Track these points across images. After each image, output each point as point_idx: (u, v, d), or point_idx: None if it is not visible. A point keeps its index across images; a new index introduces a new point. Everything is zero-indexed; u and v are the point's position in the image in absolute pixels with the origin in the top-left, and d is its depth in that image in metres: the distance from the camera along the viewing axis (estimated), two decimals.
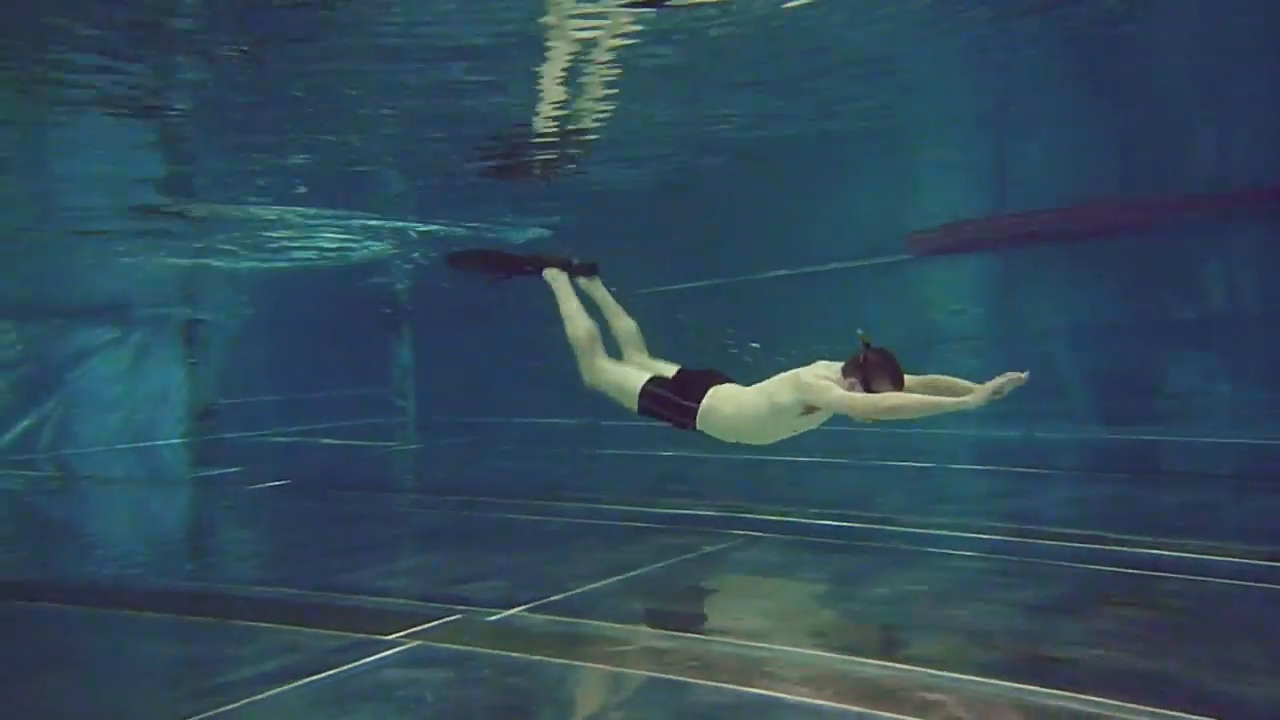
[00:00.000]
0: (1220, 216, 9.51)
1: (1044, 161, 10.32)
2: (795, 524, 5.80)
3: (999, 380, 3.44)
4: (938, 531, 5.43)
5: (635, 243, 13.01)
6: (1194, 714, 2.84)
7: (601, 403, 4.54)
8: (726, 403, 4.14)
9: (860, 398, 3.76)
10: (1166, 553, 4.70)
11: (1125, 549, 4.84)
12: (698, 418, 4.15)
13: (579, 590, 4.49)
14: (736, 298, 12.41)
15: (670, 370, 4.39)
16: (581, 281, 4.80)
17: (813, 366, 4.00)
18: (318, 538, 6.22)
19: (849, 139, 9.72)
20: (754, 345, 9.88)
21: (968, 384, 3.79)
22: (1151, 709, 2.89)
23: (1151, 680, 3.13)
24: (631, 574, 4.76)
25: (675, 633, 3.90)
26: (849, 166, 10.77)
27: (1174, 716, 2.85)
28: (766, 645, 3.68)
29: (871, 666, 3.37)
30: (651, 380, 4.31)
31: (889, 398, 3.74)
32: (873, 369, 3.89)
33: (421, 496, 8.56)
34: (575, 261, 4.88)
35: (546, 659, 3.57)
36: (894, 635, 3.86)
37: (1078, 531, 5.21)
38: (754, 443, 4.23)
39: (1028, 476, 7.39)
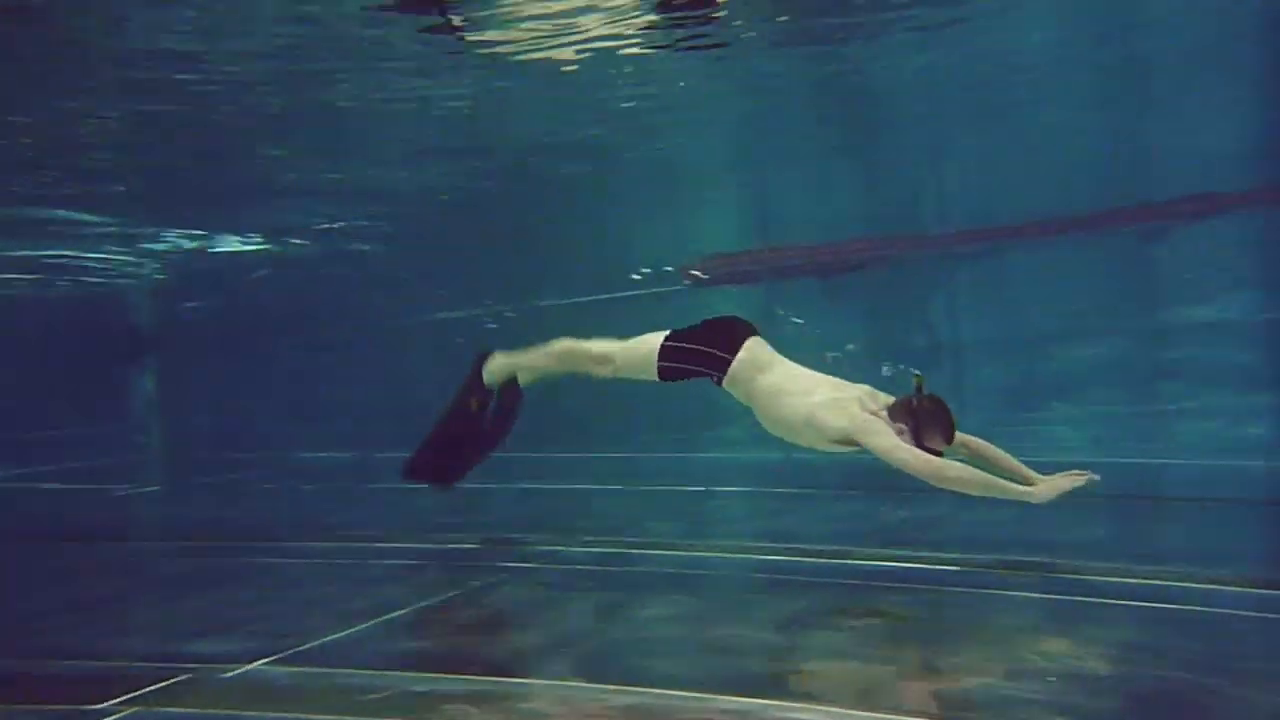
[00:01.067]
0: (948, 254, 10.57)
1: (803, 199, 11.07)
2: (565, 554, 5.75)
3: (1065, 479, 3.39)
4: (703, 554, 5.55)
5: (413, 261, 12.66)
6: (915, 716, 3.02)
7: (373, 435, 4.20)
8: (768, 375, 3.82)
9: (921, 460, 3.46)
10: (900, 564, 5.05)
11: (866, 562, 5.16)
12: (728, 374, 3.83)
13: (331, 637, 4.18)
14: (512, 325, 12.33)
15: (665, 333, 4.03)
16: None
17: (858, 392, 3.74)
18: (27, 597, 5.47)
19: (630, 170, 10.03)
20: None
21: (1015, 462, 3.63)
22: (881, 714, 3.06)
23: (880, 686, 3.32)
24: (391, 616, 4.52)
25: (433, 675, 3.72)
26: (630, 198, 11.07)
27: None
28: (527, 680, 3.58)
29: (630, 693, 3.36)
30: (670, 336, 3.97)
31: (952, 469, 3.43)
32: (925, 418, 3.60)
33: (159, 543, 7.77)
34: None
35: (284, 716, 3.28)
36: (653, 660, 3.87)
37: (828, 548, 5.50)
38: (771, 431, 3.93)
39: (789, 497, 7.75)
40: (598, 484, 8.25)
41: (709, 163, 10.98)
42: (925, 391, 3.61)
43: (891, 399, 3.73)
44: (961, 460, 3.57)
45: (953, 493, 3.50)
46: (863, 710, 3.04)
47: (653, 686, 3.43)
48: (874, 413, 3.62)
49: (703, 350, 3.88)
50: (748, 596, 4.66)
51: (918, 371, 3.64)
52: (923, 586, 4.60)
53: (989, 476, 3.48)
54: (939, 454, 3.56)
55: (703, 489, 8.40)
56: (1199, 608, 4.08)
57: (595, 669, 3.71)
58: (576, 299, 11.18)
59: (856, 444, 3.61)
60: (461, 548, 6.03)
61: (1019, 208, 9.93)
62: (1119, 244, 9.78)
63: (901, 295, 10.86)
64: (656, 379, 4.02)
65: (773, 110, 9.50)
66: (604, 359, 4.16)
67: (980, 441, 3.73)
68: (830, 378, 3.86)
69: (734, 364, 3.79)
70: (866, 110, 9.79)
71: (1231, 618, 3.96)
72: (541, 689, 3.46)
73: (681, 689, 3.33)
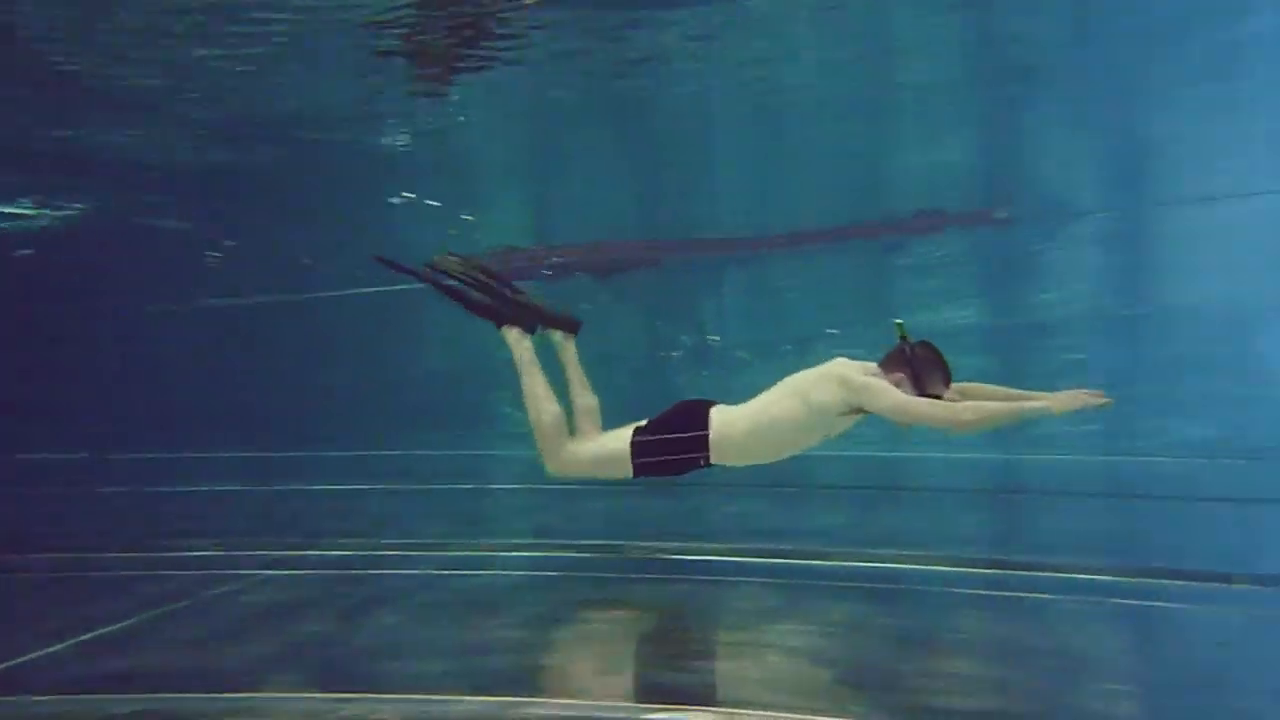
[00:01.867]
0: (719, 258, 11.02)
1: (581, 199, 11.18)
2: (315, 558, 5.44)
3: (1084, 394, 3.28)
4: (462, 553, 5.43)
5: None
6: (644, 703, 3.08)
7: (107, 434, 3.73)
8: (741, 420, 3.74)
9: (939, 409, 3.39)
10: (659, 557, 5.16)
11: (621, 556, 5.23)
12: (711, 446, 3.72)
13: (29, 657, 3.73)
14: (277, 316, 11.61)
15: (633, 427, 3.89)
16: (556, 338, 4.19)
17: (838, 364, 3.64)
18: None
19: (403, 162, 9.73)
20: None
21: (1012, 391, 3.53)
22: (614, 702, 3.09)
23: (618, 675, 3.37)
24: (104, 631, 4.09)
25: (141, 695, 3.38)
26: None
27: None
28: (249, 694, 3.33)
29: (367, 701, 3.21)
30: (636, 431, 3.84)
31: (968, 410, 3.36)
32: (922, 364, 3.53)
33: None
34: (551, 314, 4.18)
35: None
36: (393, 664, 3.73)
37: (588, 542, 5.53)
38: (776, 458, 3.83)
39: (556, 493, 7.74)
40: (362, 484, 7.91)
41: (493, 163, 10.91)
42: (910, 338, 3.56)
43: (870, 364, 3.68)
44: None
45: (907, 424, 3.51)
46: (600, 700, 3.07)
47: (391, 692, 3.29)
48: (870, 373, 3.55)
49: (675, 440, 3.78)
50: (501, 595, 4.60)
51: (899, 320, 3.55)
52: (678, 578, 4.71)
53: (1006, 405, 3.42)
54: (940, 399, 3.53)
55: (474, 486, 8.26)
56: (926, 588, 4.41)
57: (331, 677, 3.52)
58: (345, 291, 10.71)
59: (863, 410, 3.54)
60: (202, 554, 5.58)
61: (783, 218, 10.52)
62: (866, 254, 10.55)
63: (674, 296, 11.20)
64: (630, 475, 3.93)
65: (553, 115, 9.57)
66: (560, 456, 4.06)
67: (973, 384, 3.68)
68: (793, 377, 3.80)
69: (711, 435, 3.73)
70: (642, 118, 10.05)
71: (948, 595, 4.32)
72: (268, 702, 3.24)
73: (421, 692, 3.22)
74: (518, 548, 5.56)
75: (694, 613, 4.21)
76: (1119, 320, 9.80)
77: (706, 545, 5.27)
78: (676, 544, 5.33)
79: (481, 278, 4.28)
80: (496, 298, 4.23)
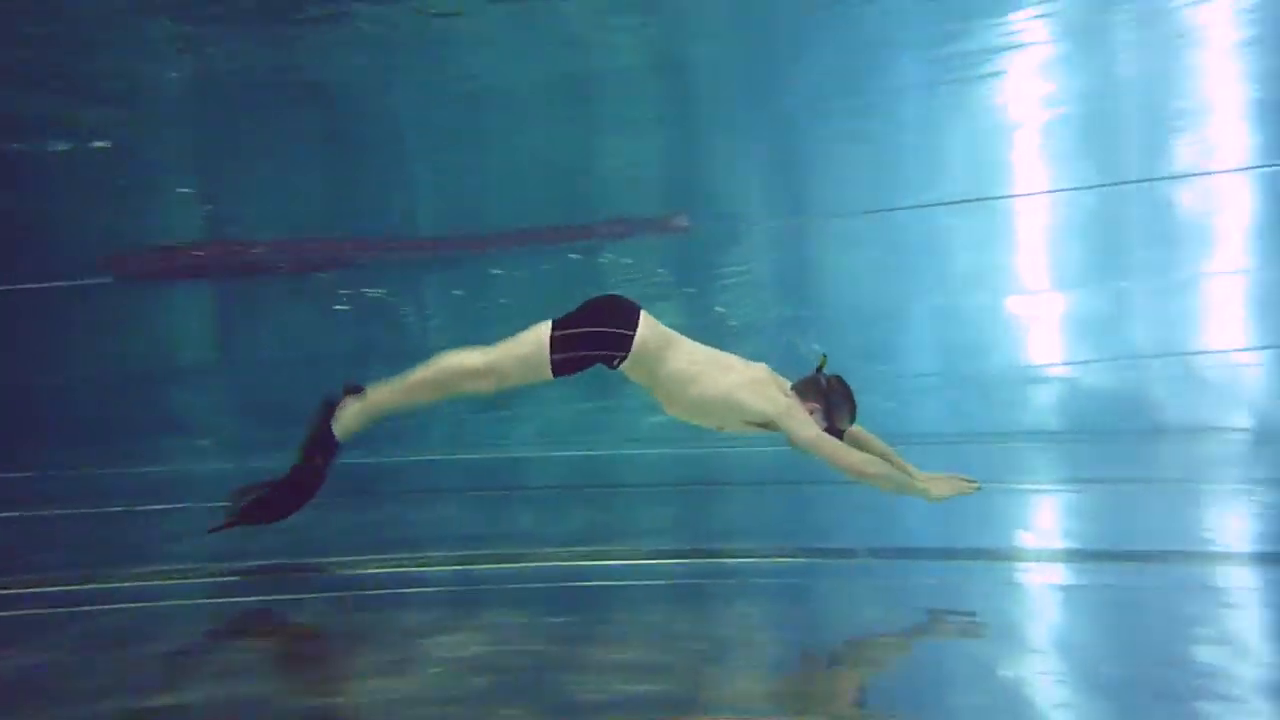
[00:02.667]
0: (410, 260, 10.76)
1: (262, 194, 10.45)
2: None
3: (958, 482, 3.52)
4: (112, 585, 4.84)
5: None
6: None
7: None
8: (667, 345, 3.63)
9: (844, 454, 3.50)
10: (336, 574, 4.90)
11: (279, 576, 4.91)
12: (634, 347, 3.60)
13: None
14: None
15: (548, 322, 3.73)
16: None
17: (762, 373, 3.66)
18: None
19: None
20: None
21: (890, 451, 3.72)
22: None
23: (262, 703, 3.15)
24: None
25: None
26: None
27: None
28: None
29: None
30: (556, 325, 3.67)
31: (872, 465, 3.53)
32: (836, 398, 3.63)
33: None
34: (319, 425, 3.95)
35: None
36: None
37: (257, 564, 5.13)
38: (668, 402, 3.72)
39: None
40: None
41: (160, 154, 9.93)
42: (826, 371, 3.65)
43: (785, 381, 3.74)
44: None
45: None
46: None
47: None
48: (786, 394, 3.61)
49: (598, 331, 3.65)
50: (143, 626, 4.14)
51: (823, 351, 3.65)
52: (354, 593, 4.49)
53: (900, 474, 3.61)
54: (842, 435, 3.70)
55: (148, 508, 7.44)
56: (608, 582, 4.50)
57: None
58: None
59: (774, 428, 3.58)
60: None
61: (483, 219, 10.47)
62: (558, 258, 10.75)
63: (368, 298, 10.82)
64: (550, 376, 3.79)
65: (230, 104, 8.90)
66: (486, 371, 3.83)
67: (862, 430, 3.80)
68: (728, 354, 3.79)
69: (635, 340, 3.62)
70: (333, 112, 9.61)
71: (629, 589, 4.43)
72: None
73: None
74: (174, 575, 5.05)
75: (361, 630, 4.02)
76: (790, 321, 10.70)
77: (388, 557, 5.07)
78: (355, 558, 5.09)
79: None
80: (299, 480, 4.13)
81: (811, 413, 3.68)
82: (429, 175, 10.87)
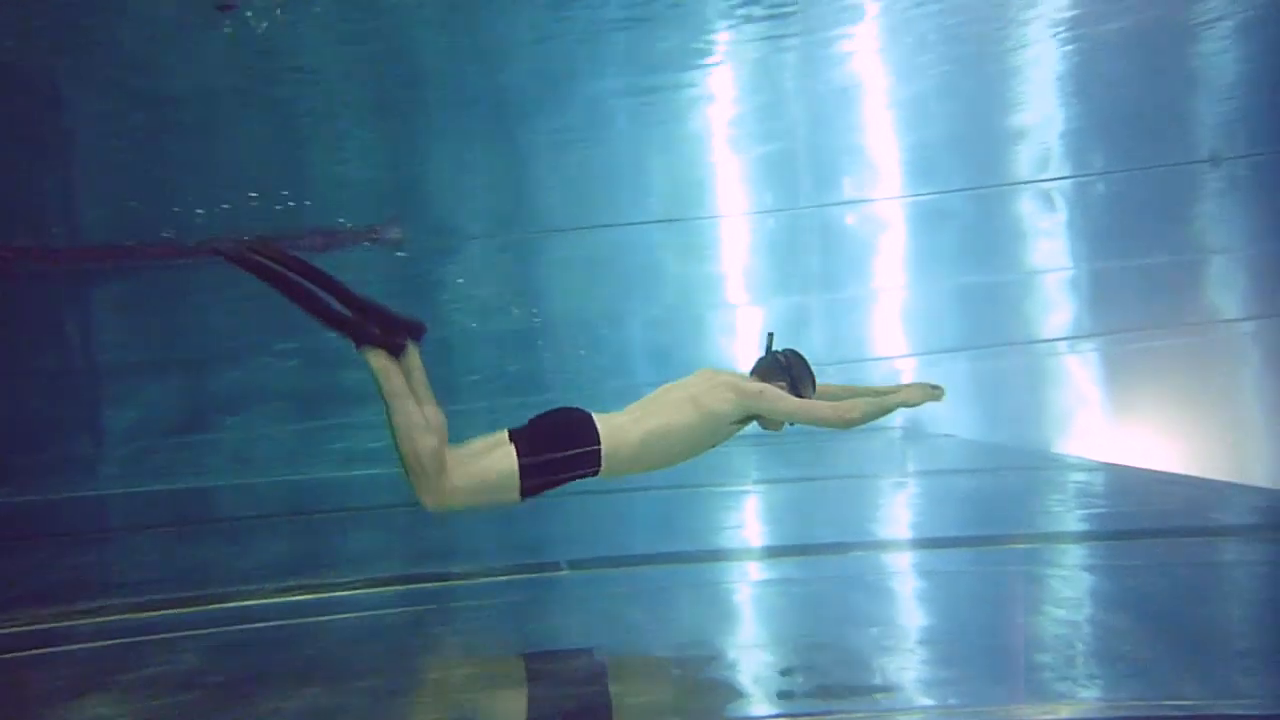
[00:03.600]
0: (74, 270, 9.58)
1: None
2: None
3: (927, 385, 3.64)
4: None
5: None
6: None
7: None
8: (631, 430, 3.61)
9: (829, 410, 3.58)
10: None
11: None
12: (604, 459, 3.55)
13: None
14: None
15: (501, 438, 3.56)
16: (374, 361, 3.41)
17: (718, 373, 3.69)
18: None
19: None
20: None
21: (866, 386, 3.89)
22: None
23: None
24: None
25: None
26: None
27: None
28: None
29: None
30: (518, 449, 3.49)
31: (855, 410, 3.57)
32: (798, 370, 3.69)
33: None
34: (402, 320, 3.45)
35: None
36: None
37: None
38: (668, 465, 3.71)
39: None
40: None
41: None
42: (777, 347, 3.74)
43: (739, 371, 3.80)
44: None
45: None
46: None
47: None
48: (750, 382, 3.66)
49: (562, 457, 3.53)
50: None
51: (770, 331, 3.71)
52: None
53: (878, 400, 3.67)
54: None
55: None
56: (296, 620, 4.14)
57: None
58: None
59: (755, 416, 3.65)
60: None
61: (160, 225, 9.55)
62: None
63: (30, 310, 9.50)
64: (518, 499, 3.58)
65: None
66: (441, 486, 3.46)
67: (823, 384, 3.84)
68: (661, 391, 3.76)
69: (603, 448, 3.55)
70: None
71: (316, 625, 4.10)
72: None
73: None
74: None
75: None
76: (512, 334, 10.67)
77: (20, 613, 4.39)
78: None
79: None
80: (347, 302, 3.47)
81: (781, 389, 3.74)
82: (106, 179, 9.75)
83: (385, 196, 10.39)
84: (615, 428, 3.64)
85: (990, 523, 5.70)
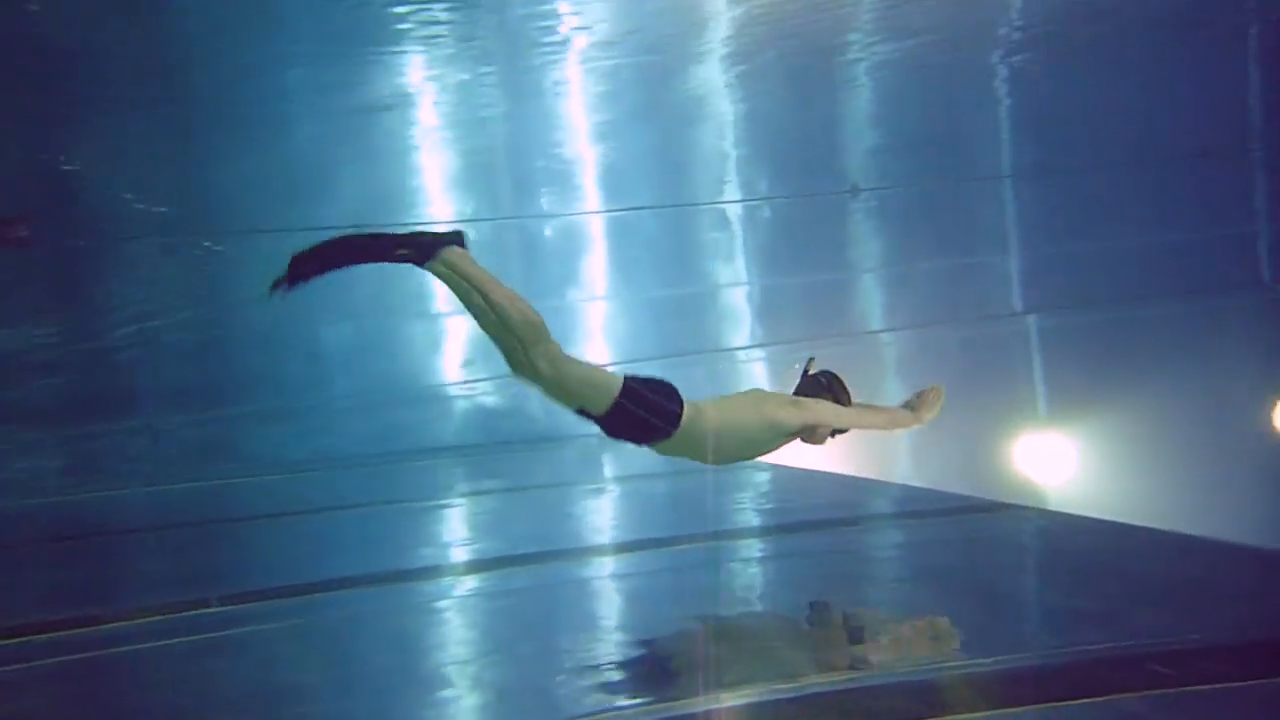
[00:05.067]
0: None
1: None
2: None
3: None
4: None
5: None
6: None
7: None
8: (710, 414, 3.84)
9: (885, 416, 4.13)
10: None
11: None
12: (682, 424, 3.76)
13: None
14: None
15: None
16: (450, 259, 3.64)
17: (764, 393, 4.09)
18: None
19: None
20: None
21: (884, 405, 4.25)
22: None
23: None
24: None
25: None
26: None
27: None
28: None
29: None
30: (628, 377, 3.76)
31: (902, 415, 4.09)
32: (838, 389, 4.08)
33: None
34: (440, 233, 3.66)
35: None
36: None
37: None
38: (720, 461, 3.96)
39: None
40: None
41: None
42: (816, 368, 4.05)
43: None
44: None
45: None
46: None
47: None
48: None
49: (655, 401, 3.74)
50: None
51: (812, 356, 4.07)
52: None
53: (911, 415, 4.08)
54: None
55: None
56: None
57: None
58: None
59: (799, 430, 3.94)
60: None
61: None
62: None
63: None
64: (602, 410, 3.74)
65: None
66: (552, 352, 3.65)
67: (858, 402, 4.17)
68: (729, 396, 4.01)
69: (685, 415, 3.76)
70: None
71: None
72: None
73: None
74: None
75: None
76: (178, 344, 9.85)
77: None
78: None
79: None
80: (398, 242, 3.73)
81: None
82: None
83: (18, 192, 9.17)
84: (697, 407, 3.90)
85: (681, 524, 6.09)
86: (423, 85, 10.11)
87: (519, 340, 3.62)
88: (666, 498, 7.30)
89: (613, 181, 11.07)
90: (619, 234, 11.16)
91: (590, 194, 11.21)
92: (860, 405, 4.21)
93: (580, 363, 3.78)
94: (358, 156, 10.32)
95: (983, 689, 2.62)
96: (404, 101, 10.34)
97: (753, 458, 4.14)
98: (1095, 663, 2.78)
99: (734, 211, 11.55)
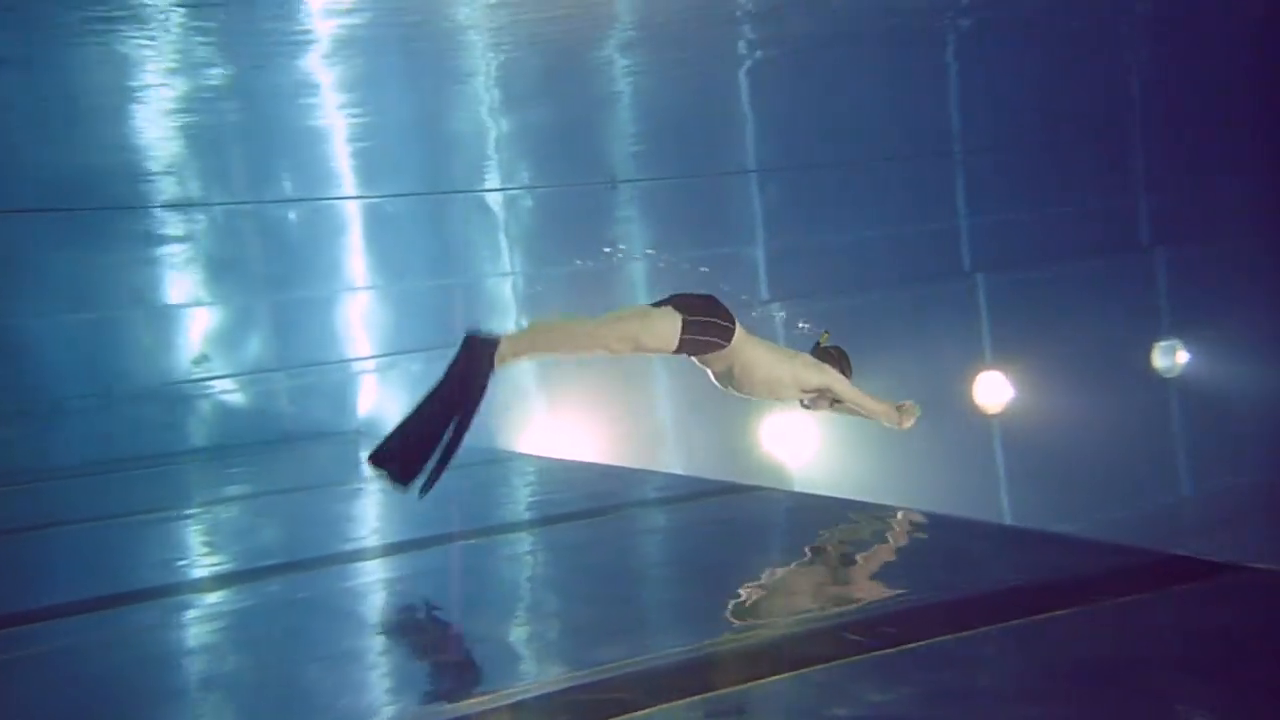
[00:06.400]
0: None
1: None
2: None
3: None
4: None
5: None
6: None
7: None
8: (756, 342, 4.32)
9: (881, 404, 4.56)
10: None
11: None
12: (734, 341, 4.23)
13: None
14: None
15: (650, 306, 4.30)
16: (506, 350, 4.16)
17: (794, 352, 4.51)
18: None
19: None
20: None
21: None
22: None
23: None
24: None
25: None
26: None
27: None
28: None
29: None
30: (683, 310, 4.17)
31: (892, 411, 4.55)
32: (845, 364, 4.52)
33: None
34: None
35: None
36: None
37: None
38: (741, 392, 4.42)
39: None
40: None
41: None
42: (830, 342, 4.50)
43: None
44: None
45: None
46: None
47: None
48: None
49: (710, 320, 4.16)
50: None
51: (826, 330, 4.48)
52: None
53: (882, 406, 4.57)
54: None
55: None
56: None
57: None
58: None
59: (817, 392, 4.41)
60: None
61: None
62: None
63: None
64: (671, 351, 4.24)
65: None
66: (625, 338, 4.15)
67: None
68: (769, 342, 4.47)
69: (736, 332, 4.23)
70: None
71: None
72: None
73: None
74: None
75: None
76: None
77: None
78: None
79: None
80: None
81: None
82: None
83: None
84: (746, 330, 4.33)
85: (439, 523, 5.94)
86: (131, 50, 9.06)
87: (652, 351, 4.28)
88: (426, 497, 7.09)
89: (369, 169, 10.66)
90: (378, 221, 10.76)
91: (346, 179, 10.72)
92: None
93: (645, 320, 4.19)
94: (58, 127, 9.21)
95: (677, 676, 2.62)
96: (119, 61, 9.20)
97: (766, 399, 4.60)
98: (788, 638, 2.91)
99: (495, 200, 11.45)
